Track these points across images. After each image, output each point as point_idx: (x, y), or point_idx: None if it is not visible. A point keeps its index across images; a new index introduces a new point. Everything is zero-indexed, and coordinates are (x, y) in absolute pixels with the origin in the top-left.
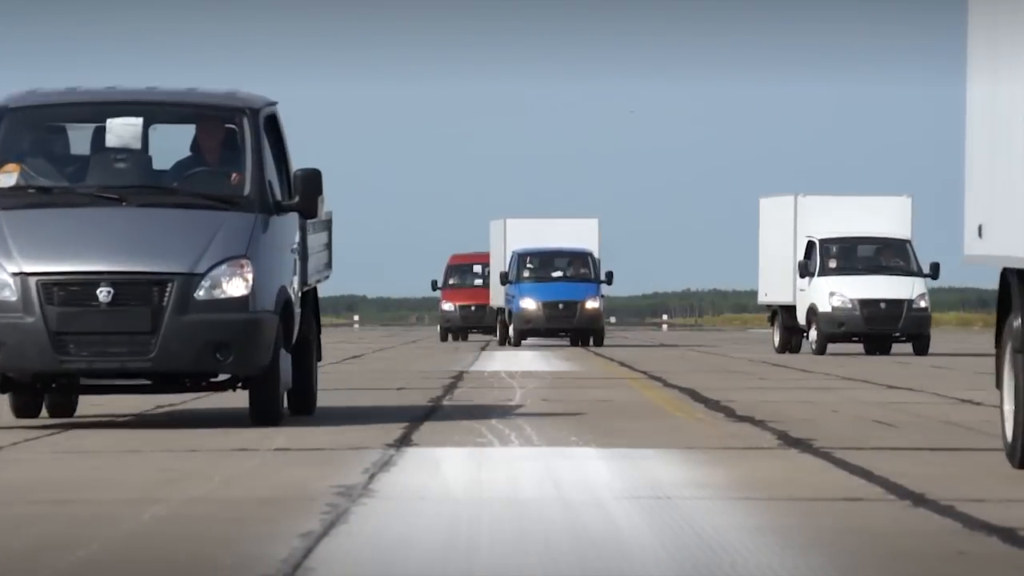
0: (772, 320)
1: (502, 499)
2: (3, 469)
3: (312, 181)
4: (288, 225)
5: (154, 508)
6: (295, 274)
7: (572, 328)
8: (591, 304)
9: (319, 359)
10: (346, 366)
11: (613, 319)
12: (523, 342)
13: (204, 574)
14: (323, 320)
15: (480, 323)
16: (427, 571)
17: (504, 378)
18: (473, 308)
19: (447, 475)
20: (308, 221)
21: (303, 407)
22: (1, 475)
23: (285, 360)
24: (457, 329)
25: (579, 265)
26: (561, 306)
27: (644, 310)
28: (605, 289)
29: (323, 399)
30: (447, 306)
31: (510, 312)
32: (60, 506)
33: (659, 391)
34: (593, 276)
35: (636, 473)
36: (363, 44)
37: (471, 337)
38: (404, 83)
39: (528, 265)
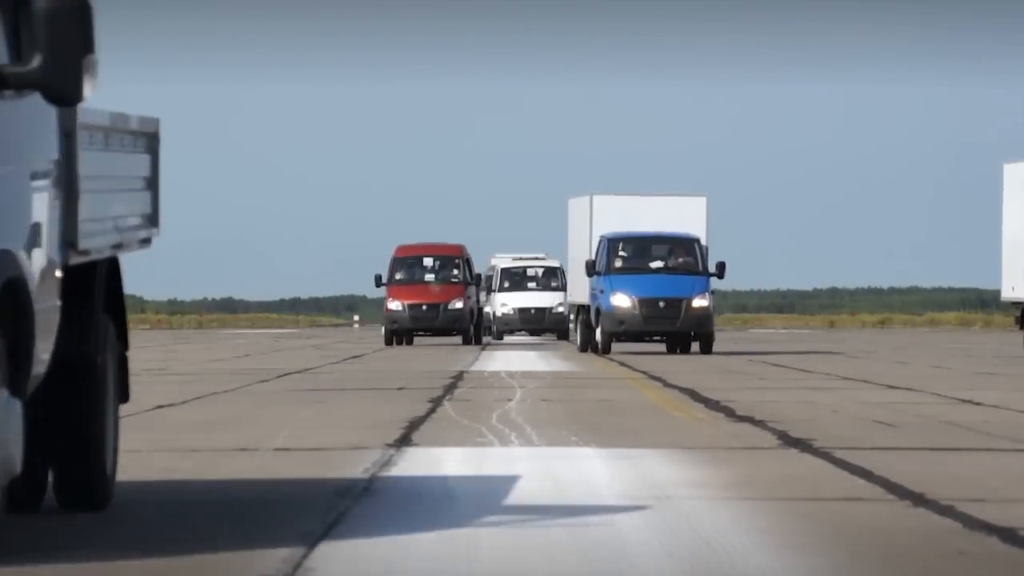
0: (1021, 322)
1: (502, 499)
2: None
3: (69, 24)
4: (18, 120)
5: (154, 508)
6: (42, 227)
7: (675, 331)
8: (699, 302)
9: (123, 400)
10: (347, 366)
11: None
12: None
13: (204, 574)
14: (322, 320)
15: (432, 325)
16: (427, 571)
17: (504, 378)
18: (425, 307)
19: (447, 475)
20: (82, 121)
21: (80, 495)
22: None
23: (7, 411)
24: (405, 331)
25: (683, 253)
26: (662, 304)
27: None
28: (715, 283)
29: (322, 399)
30: (394, 304)
31: (597, 310)
32: None
33: (659, 391)
34: (701, 268)
35: (636, 473)
36: (370, 43)
37: (418, 341)
38: (414, 80)
39: (620, 253)
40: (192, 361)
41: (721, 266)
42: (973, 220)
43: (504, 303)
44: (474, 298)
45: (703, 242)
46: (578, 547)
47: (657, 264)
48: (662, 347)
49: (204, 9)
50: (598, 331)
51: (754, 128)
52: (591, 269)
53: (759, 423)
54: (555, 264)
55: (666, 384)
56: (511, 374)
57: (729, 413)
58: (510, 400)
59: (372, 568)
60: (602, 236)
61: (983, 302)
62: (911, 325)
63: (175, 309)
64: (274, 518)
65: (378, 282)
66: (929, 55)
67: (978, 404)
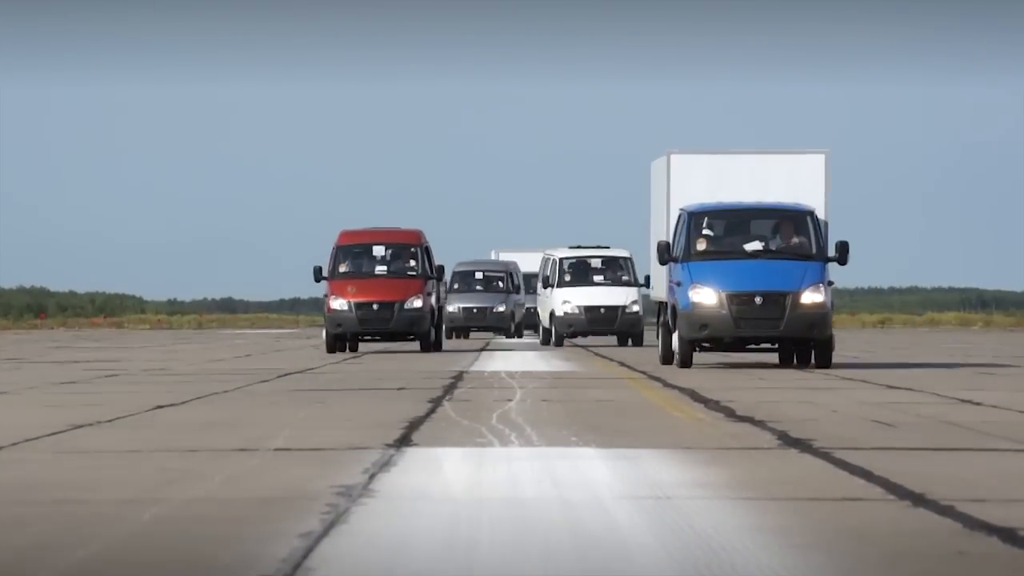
0: None
1: (502, 499)
2: (3, 469)
3: None
4: None
5: (154, 508)
6: None
7: (776, 336)
8: (811, 297)
9: None
10: (347, 366)
11: None
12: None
13: (204, 574)
14: (322, 320)
15: (385, 328)
16: (427, 571)
17: (504, 378)
18: (376, 307)
19: (447, 475)
20: None
21: None
22: (1, 475)
23: None
24: (353, 335)
25: (791, 232)
26: (759, 300)
27: (644, 309)
28: (835, 272)
29: (322, 399)
30: (338, 303)
31: (673, 309)
32: (60, 506)
33: (659, 391)
34: (815, 251)
35: (636, 473)
36: (371, 42)
37: (363, 347)
38: (415, 80)
39: (705, 231)
40: (192, 361)
41: (843, 248)
42: (973, 220)
43: (566, 300)
44: (435, 295)
45: (820, 215)
46: (578, 547)
47: (754, 246)
48: (771, 357)
49: (204, 10)
50: (674, 336)
51: (751, 128)
52: (665, 254)
53: (759, 423)
54: (624, 254)
55: (666, 384)
56: (511, 374)
57: (729, 413)
58: (510, 400)
59: (372, 568)
60: (682, 209)
61: (983, 302)
62: (911, 325)
63: (175, 309)
64: (274, 517)
65: (318, 276)
66: (928, 54)
67: (978, 404)
